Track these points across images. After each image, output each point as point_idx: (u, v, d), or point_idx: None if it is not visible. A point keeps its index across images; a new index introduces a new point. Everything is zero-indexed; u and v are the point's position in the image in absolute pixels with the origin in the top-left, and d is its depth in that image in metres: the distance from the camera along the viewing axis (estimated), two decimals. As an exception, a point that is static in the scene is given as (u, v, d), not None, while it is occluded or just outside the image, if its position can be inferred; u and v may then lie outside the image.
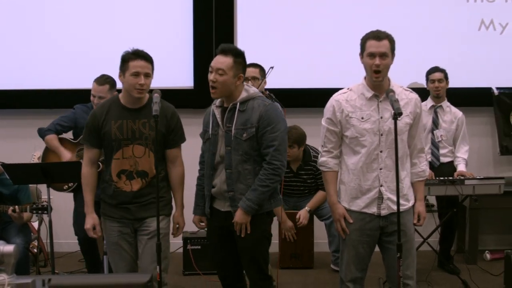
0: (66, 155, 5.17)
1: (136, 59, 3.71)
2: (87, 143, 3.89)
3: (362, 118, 3.67)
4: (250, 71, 4.95)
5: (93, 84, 5.13)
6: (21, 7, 6.50)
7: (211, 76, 3.65)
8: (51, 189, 4.67)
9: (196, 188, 3.99)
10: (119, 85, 5.12)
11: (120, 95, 3.86)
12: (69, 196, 5.37)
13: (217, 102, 3.80)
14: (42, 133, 5.30)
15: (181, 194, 3.94)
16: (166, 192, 3.93)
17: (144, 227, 3.83)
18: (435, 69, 5.75)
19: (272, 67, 5.13)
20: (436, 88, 5.69)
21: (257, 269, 3.80)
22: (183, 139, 3.95)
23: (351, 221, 3.76)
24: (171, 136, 3.85)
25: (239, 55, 3.68)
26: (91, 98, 5.16)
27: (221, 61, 3.64)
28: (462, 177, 5.40)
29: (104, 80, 5.12)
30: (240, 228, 3.68)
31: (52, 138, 5.23)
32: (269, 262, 3.95)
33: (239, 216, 3.67)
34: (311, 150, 5.76)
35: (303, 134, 5.67)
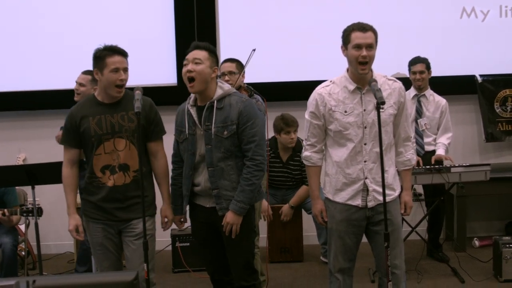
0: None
1: (113, 55, 3.67)
2: (65, 143, 3.84)
3: (346, 111, 3.65)
4: (227, 66, 4.92)
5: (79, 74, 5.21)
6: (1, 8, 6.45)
7: (188, 67, 3.62)
8: (37, 191, 4.64)
9: (172, 188, 3.94)
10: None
11: (96, 93, 3.83)
12: (56, 198, 5.34)
13: (191, 101, 3.77)
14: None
15: (167, 187, 3.90)
16: (150, 190, 3.87)
17: (130, 229, 3.78)
18: (416, 60, 5.72)
19: (254, 50, 5.04)
20: (417, 79, 5.69)
21: (244, 263, 3.78)
22: (163, 131, 3.90)
23: (326, 219, 3.81)
24: (152, 128, 3.80)
25: (212, 51, 3.70)
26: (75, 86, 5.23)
27: (196, 53, 3.65)
28: (439, 161, 5.43)
29: (90, 72, 5.18)
30: (230, 228, 3.66)
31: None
32: (255, 255, 3.93)
33: (231, 218, 3.65)
34: (302, 142, 5.74)
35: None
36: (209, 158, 3.66)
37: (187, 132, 3.73)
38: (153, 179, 3.94)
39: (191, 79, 3.61)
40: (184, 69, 3.65)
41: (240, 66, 4.96)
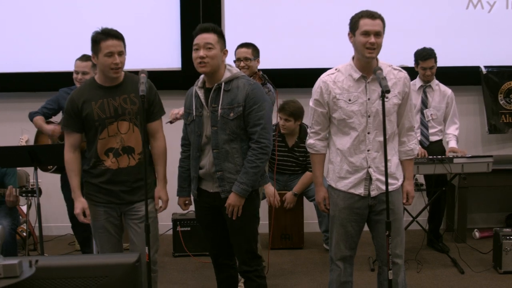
0: (48, 128, 5.22)
1: (107, 39, 3.64)
2: (67, 128, 3.83)
3: (350, 100, 3.64)
4: (242, 52, 4.91)
5: (76, 62, 5.19)
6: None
7: (199, 53, 3.61)
8: (39, 172, 4.65)
9: (179, 170, 3.96)
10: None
11: (96, 77, 3.82)
12: (58, 180, 5.35)
13: (199, 83, 3.78)
14: (31, 116, 5.38)
15: (163, 168, 3.90)
16: (153, 173, 3.91)
17: (133, 212, 3.82)
18: (427, 55, 5.59)
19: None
20: (427, 75, 5.63)
21: (247, 247, 3.81)
22: (162, 111, 3.92)
23: (328, 207, 3.82)
24: (151, 109, 3.81)
25: (219, 32, 3.70)
26: (74, 76, 5.19)
27: (206, 37, 3.62)
28: (454, 154, 5.40)
29: (87, 57, 5.15)
30: (232, 210, 3.69)
31: (38, 118, 5.31)
32: (258, 240, 3.97)
33: (233, 199, 3.67)
34: (308, 129, 5.71)
35: (300, 108, 5.63)
36: (215, 140, 3.68)
37: (194, 113, 3.75)
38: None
39: (203, 62, 3.62)
40: (195, 54, 3.63)
41: (256, 51, 4.95)
